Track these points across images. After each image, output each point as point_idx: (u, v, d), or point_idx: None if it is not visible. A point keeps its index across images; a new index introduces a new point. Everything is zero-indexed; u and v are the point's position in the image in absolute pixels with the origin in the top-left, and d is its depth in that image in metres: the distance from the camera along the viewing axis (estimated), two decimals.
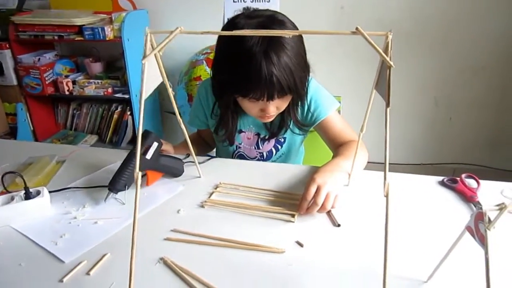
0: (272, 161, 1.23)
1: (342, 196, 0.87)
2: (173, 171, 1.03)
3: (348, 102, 2.26)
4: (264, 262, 0.73)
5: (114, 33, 2.20)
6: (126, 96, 2.31)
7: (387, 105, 0.57)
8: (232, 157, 1.25)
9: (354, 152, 0.92)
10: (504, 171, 2.49)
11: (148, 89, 0.65)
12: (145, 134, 0.93)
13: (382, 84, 0.65)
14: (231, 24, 0.94)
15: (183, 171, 1.04)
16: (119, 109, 2.49)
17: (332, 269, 0.71)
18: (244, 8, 0.99)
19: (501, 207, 0.48)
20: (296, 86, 0.94)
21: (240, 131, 1.20)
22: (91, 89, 2.36)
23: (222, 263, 0.72)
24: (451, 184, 0.98)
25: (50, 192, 0.92)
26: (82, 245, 0.77)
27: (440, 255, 0.64)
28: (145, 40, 0.62)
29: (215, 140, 1.30)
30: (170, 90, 0.78)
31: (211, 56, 2.11)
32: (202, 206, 0.89)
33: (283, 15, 0.96)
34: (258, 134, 1.20)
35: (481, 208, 0.50)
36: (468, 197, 0.92)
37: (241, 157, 1.24)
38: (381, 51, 0.58)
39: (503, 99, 2.39)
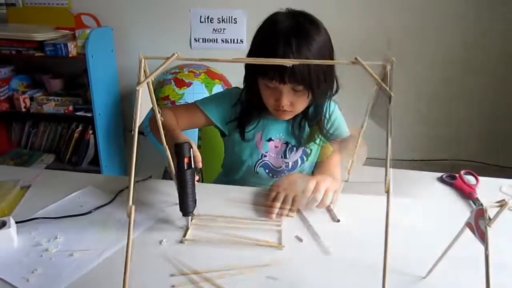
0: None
1: (340, 192, 0.92)
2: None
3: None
4: (264, 257, 0.77)
5: (77, 50, 2.12)
6: (89, 115, 2.22)
7: (389, 135, 0.58)
8: (255, 167, 1.20)
9: (352, 148, 1.00)
10: (501, 167, 2.54)
11: (140, 114, 0.62)
12: (179, 147, 0.84)
13: (379, 113, 0.65)
14: (271, 18, 1.01)
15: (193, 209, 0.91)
16: (80, 127, 2.38)
17: (332, 264, 0.74)
18: (286, 8, 1.04)
19: (502, 204, 0.50)
20: (310, 80, 0.95)
21: (270, 139, 1.19)
22: (50, 107, 2.24)
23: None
24: (450, 181, 1.00)
25: (16, 222, 0.85)
26: (57, 281, 0.71)
27: (439, 251, 0.65)
28: (139, 66, 0.59)
29: (227, 148, 1.27)
30: (158, 116, 0.75)
31: (180, 75, 2.08)
32: (182, 242, 0.84)
33: (320, 22, 1.01)
34: (287, 143, 1.19)
35: (481, 205, 0.52)
36: (466, 194, 0.94)
37: (266, 166, 1.21)
38: (380, 81, 0.58)
39: (498, 96, 2.46)
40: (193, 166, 0.85)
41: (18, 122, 2.47)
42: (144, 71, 0.61)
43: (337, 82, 1.07)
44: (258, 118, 1.16)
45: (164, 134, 0.89)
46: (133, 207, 0.56)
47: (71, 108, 2.25)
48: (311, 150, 1.21)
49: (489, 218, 0.50)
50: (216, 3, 2.32)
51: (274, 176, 1.21)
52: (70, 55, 2.09)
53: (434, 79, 2.44)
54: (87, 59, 2.08)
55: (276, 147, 1.20)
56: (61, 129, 2.43)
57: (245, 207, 0.99)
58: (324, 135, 1.16)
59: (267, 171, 1.21)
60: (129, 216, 0.55)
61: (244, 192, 1.06)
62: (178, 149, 0.83)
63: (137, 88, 0.57)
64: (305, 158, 1.21)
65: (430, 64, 2.42)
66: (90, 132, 2.33)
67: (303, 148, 1.19)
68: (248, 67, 1.08)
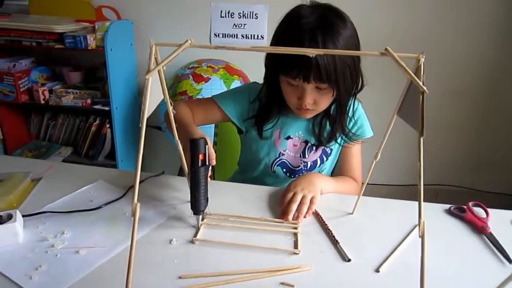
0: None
1: (319, 200, 0.93)
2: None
3: None
4: (279, 262, 0.75)
5: (96, 42, 2.10)
6: (106, 108, 2.20)
7: (421, 133, 0.52)
8: (272, 165, 1.16)
9: (348, 188, 1.08)
10: (485, 193, 2.51)
11: (150, 107, 0.58)
12: (194, 143, 0.80)
13: (409, 109, 0.59)
14: (294, 11, 0.96)
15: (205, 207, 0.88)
16: (97, 121, 2.37)
17: (351, 271, 0.71)
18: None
19: None
20: (336, 77, 0.91)
21: (288, 137, 1.14)
22: (68, 99, 2.23)
23: None
24: (460, 214, 0.94)
25: (23, 216, 0.82)
26: (61, 280, 0.67)
27: None
28: (149, 52, 0.55)
29: (245, 146, 1.23)
30: (170, 108, 0.70)
31: (198, 70, 2.05)
32: (193, 242, 0.80)
33: (347, 15, 0.96)
34: (306, 142, 1.14)
35: None
36: (479, 228, 0.88)
37: (283, 165, 1.17)
38: (412, 74, 0.53)
39: (483, 121, 2.42)
40: (207, 164, 0.82)
41: (37, 114, 2.48)
42: (156, 59, 0.57)
43: (362, 78, 1.01)
44: (278, 116, 1.11)
45: (178, 128, 0.85)
46: (138, 205, 0.52)
47: (89, 101, 2.24)
48: (331, 149, 1.16)
49: None
50: None
51: (292, 176, 1.16)
52: (89, 48, 2.07)
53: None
54: (106, 52, 2.06)
55: (295, 145, 1.15)
56: (79, 122, 2.42)
57: (260, 207, 0.94)
58: (346, 134, 1.11)
59: (284, 170, 1.17)
60: (133, 214, 0.51)
61: (260, 191, 1.02)
62: (193, 145, 0.80)
63: (147, 77, 0.53)
64: (324, 158, 1.16)
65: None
66: (107, 126, 2.32)
67: (323, 147, 1.14)
68: (269, 64, 1.03)
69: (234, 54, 2.20)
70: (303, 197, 0.91)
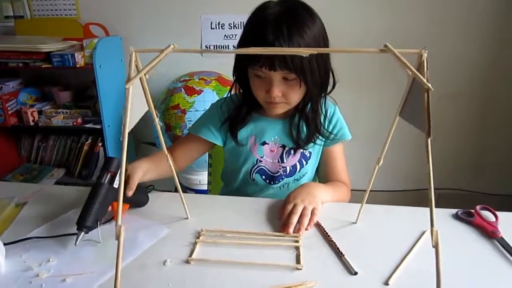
0: (295, 179, 1.13)
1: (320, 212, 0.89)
2: (141, 200, 0.94)
3: None
4: (281, 279, 0.70)
5: (85, 60, 2.07)
6: (98, 126, 2.15)
7: (428, 134, 0.48)
8: (251, 173, 1.13)
9: (342, 195, 1.05)
10: (486, 195, 2.47)
11: (132, 119, 0.53)
12: (108, 160, 0.84)
13: (413, 110, 0.55)
14: (261, 5, 0.94)
15: (149, 200, 0.96)
16: (89, 140, 2.32)
17: (358, 286, 0.67)
18: None
19: None
20: (302, 66, 0.89)
21: (264, 143, 1.11)
22: (58, 119, 2.19)
23: None
24: (467, 218, 0.90)
25: (5, 244, 0.77)
26: None
27: None
28: (129, 60, 0.50)
29: (226, 158, 1.20)
30: (157, 120, 0.66)
31: (190, 83, 2.01)
32: (188, 262, 0.74)
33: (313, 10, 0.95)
34: (283, 146, 1.11)
35: None
36: (489, 233, 0.84)
37: (262, 172, 1.13)
38: (415, 71, 0.48)
39: (482, 123, 2.39)
40: (115, 185, 0.82)
41: (27, 136, 2.43)
42: (137, 67, 0.53)
43: (333, 75, 0.99)
44: (249, 117, 1.09)
45: None
46: (123, 228, 0.47)
47: (80, 120, 2.19)
48: (310, 153, 1.12)
49: None
50: (227, 8, 2.24)
51: (272, 183, 1.13)
52: (77, 66, 2.03)
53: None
54: (95, 69, 2.02)
55: (272, 151, 1.11)
56: (71, 142, 2.37)
57: (258, 220, 0.90)
58: (326, 136, 1.09)
59: (263, 177, 1.13)
60: (117, 238, 0.46)
61: (257, 204, 0.97)
62: (106, 161, 0.85)
63: (127, 86, 0.48)
64: (304, 162, 1.12)
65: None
66: (100, 144, 2.27)
67: (301, 151, 1.10)
68: (237, 57, 1.01)
69: (226, 65, 2.17)
70: (303, 209, 0.87)
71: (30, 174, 2.34)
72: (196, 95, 1.95)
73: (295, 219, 0.84)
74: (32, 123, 2.19)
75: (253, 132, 1.10)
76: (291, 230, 0.83)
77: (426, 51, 0.50)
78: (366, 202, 0.86)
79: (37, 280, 0.69)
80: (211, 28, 2.28)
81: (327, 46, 0.95)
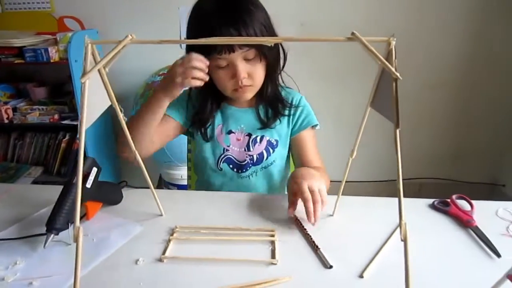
0: (263, 167, 1.12)
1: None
2: (114, 198, 0.92)
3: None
4: (255, 275, 0.68)
5: (59, 55, 2.01)
6: (75, 123, 2.11)
7: (397, 125, 0.46)
8: (218, 163, 1.12)
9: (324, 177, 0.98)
10: (467, 184, 2.52)
11: (91, 115, 0.51)
12: (84, 159, 0.80)
13: (382, 100, 0.54)
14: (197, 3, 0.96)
15: (122, 197, 0.94)
16: (67, 137, 2.27)
17: (333, 280, 0.66)
18: None
19: None
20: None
21: (230, 132, 1.11)
22: (34, 116, 2.14)
23: None
24: (444, 208, 0.90)
25: None
26: None
27: None
28: (84, 53, 0.48)
29: (191, 146, 1.19)
30: (121, 115, 0.63)
31: None
32: (161, 260, 0.72)
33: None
34: (249, 135, 1.10)
35: None
36: (464, 222, 0.84)
37: (229, 161, 1.12)
38: (384, 60, 0.47)
39: (461, 113, 2.42)
40: (87, 185, 0.81)
41: (2, 134, 2.36)
42: (95, 60, 0.50)
43: (283, 50, 1.03)
44: (215, 112, 1.10)
45: (147, 105, 0.94)
46: (81, 228, 0.44)
47: (56, 117, 2.14)
48: (276, 141, 1.12)
49: None
50: None
51: (239, 171, 1.12)
52: (52, 61, 1.98)
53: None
54: (70, 64, 1.97)
55: (238, 139, 1.11)
56: (48, 139, 2.32)
57: (234, 215, 0.88)
58: (289, 114, 1.11)
59: (231, 166, 1.12)
60: (75, 240, 0.43)
61: (233, 198, 0.96)
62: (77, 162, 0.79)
63: (82, 80, 0.46)
64: (271, 150, 1.12)
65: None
66: (78, 141, 2.22)
67: (267, 139, 1.10)
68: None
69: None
70: (313, 194, 0.83)
71: (6, 173, 2.27)
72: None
73: (311, 206, 0.81)
74: (6, 121, 2.13)
75: (219, 122, 1.11)
76: (313, 220, 0.80)
77: (395, 39, 0.48)
78: (346, 194, 0.86)
79: (2, 284, 0.67)
80: None
81: (271, 23, 0.98)
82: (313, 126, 1.12)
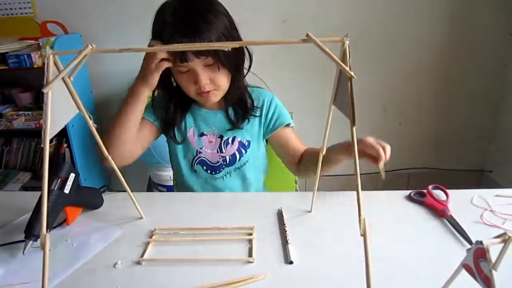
0: (236, 168, 1.14)
1: None
2: (94, 202, 0.93)
3: (298, 117, 2.20)
4: (233, 273, 0.70)
5: (43, 60, 2.01)
6: None
7: (353, 123, 0.48)
8: (192, 165, 1.14)
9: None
10: (454, 171, 2.54)
11: (58, 123, 0.52)
12: (59, 165, 0.82)
13: (342, 97, 0.55)
14: (160, 8, 0.96)
15: (103, 202, 0.95)
16: (54, 141, 2.26)
17: (309, 277, 0.67)
18: None
19: (504, 240, 0.39)
20: (214, 49, 0.91)
21: (202, 134, 1.12)
22: (20, 122, 2.13)
23: None
24: (419, 198, 0.92)
25: None
26: None
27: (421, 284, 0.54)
28: (46, 64, 0.49)
29: (169, 149, 1.19)
30: (90, 122, 0.64)
31: None
32: (139, 263, 0.74)
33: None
34: (221, 137, 1.12)
35: (480, 243, 0.41)
36: (439, 212, 0.86)
37: (203, 163, 1.14)
38: (338, 60, 0.49)
39: (445, 101, 2.44)
40: (66, 191, 0.82)
41: None
42: (58, 69, 0.51)
43: (249, 52, 1.03)
44: (184, 114, 1.11)
45: (128, 102, 0.97)
46: (47, 235, 0.46)
47: (42, 122, 2.13)
48: (248, 141, 1.13)
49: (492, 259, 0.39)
50: None
51: (213, 173, 1.14)
52: (35, 66, 1.97)
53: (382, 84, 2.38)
54: None
55: (210, 141, 1.13)
56: (35, 144, 2.31)
57: (213, 215, 0.89)
58: (255, 115, 1.11)
59: (204, 168, 1.14)
60: (43, 247, 0.44)
61: (212, 198, 0.97)
62: (57, 167, 0.83)
63: (45, 91, 0.47)
64: (243, 151, 1.13)
65: (377, 75, 2.34)
66: (65, 145, 2.22)
67: (239, 140, 1.12)
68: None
69: None
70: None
71: None
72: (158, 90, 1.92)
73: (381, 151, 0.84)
74: None
75: (191, 125, 1.12)
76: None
77: (348, 39, 0.50)
78: (334, 188, 0.88)
79: None
80: None
81: (234, 26, 0.98)
82: (287, 125, 1.12)
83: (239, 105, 1.10)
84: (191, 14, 0.90)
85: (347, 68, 0.48)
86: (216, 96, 1.03)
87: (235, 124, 1.09)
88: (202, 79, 0.96)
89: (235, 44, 0.47)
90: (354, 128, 0.48)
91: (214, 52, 0.91)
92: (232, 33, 0.97)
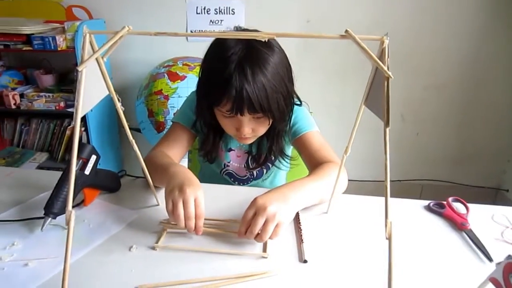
0: (264, 179, 1.17)
1: (285, 225, 0.74)
2: (111, 186, 0.94)
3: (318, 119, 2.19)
4: (245, 267, 0.70)
5: (67, 43, 2.03)
6: None
7: (386, 124, 0.47)
8: (221, 174, 1.16)
9: (328, 174, 0.88)
10: (469, 187, 2.50)
11: (88, 103, 0.52)
12: (81, 146, 0.82)
13: (375, 99, 0.54)
14: (220, 40, 0.92)
15: (120, 186, 0.95)
16: (72, 124, 2.29)
17: (322, 276, 0.66)
18: (235, 27, 1.00)
19: None
20: (269, 106, 0.88)
21: (230, 150, 1.13)
22: (40, 103, 2.16)
23: None
24: (439, 210, 0.90)
25: None
26: None
27: None
28: (82, 42, 0.49)
29: (197, 158, 1.20)
30: (118, 104, 0.64)
31: (173, 69, 1.99)
32: (154, 249, 0.74)
33: (273, 38, 0.90)
34: (248, 153, 1.12)
35: (510, 257, 0.40)
36: (458, 225, 0.84)
37: (230, 175, 1.16)
38: (376, 58, 0.48)
39: (465, 115, 2.41)
40: (86, 172, 0.83)
41: (10, 119, 2.39)
42: (93, 49, 0.51)
43: (298, 97, 1.03)
44: (220, 140, 1.10)
45: (160, 176, 0.86)
46: (73, 212, 0.46)
47: (62, 104, 2.16)
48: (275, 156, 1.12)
49: None
50: None
51: (241, 184, 1.16)
52: (59, 49, 1.99)
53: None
54: (77, 53, 1.99)
55: (238, 156, 1.14)
56: (53, 126, 2.34)
57: (231, 208, 0.88)
58: (280, 152, 1.08)
59: (232, 179, 1.17)
60: (67, 223, 0.45)
61: (231, 191, 0.97)
62: (79, 148, 0.78)
63: (80, 69, 0.47)
64: (270, 165, 1.13)
65: (397, 84, 2.27)
66: (83, 129, 2.24)
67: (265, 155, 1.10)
68: (200, 95, 0.99)
69: None
70: (266, 221, 0.72)
71: (12, 157, 2.31)
72: (179, 81, 1.93)
73: (255, 230, 0.72)
74: (13, 107, 2.16)
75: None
76: (242, 237, 0.74)
77: (388, 38, 0.49)
78: (347, 192, 0.86)
79: None
80: (197, 13, 2.25)
81: (290, 71, 0.94)
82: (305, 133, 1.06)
83: (270, 145, 1.06)
84: (254, 66, 0.86)
85: (385, 68, 0.47)
86: (253, 140, 1.02)
87: (258, 163, 1.10)
88: (245, 130, 0.94)
89: (272, 36, 0.47)
90: (387, 129, 0.47)
91: (269, 110, 0.89)
92: (287, 84, 0.93)
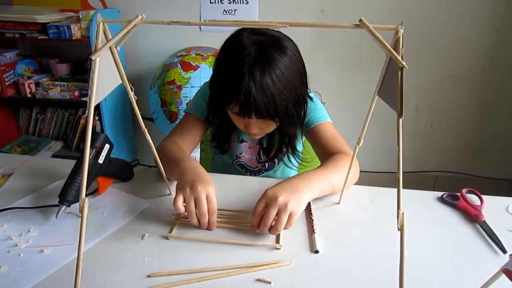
0: (275, 171, 1.17)
1: (298, 215, 0.73)
2: (124, 175, 0.95)
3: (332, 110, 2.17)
4: (257, 258, 0.70)
5: (81, 32, 2.04)
6: None
7: (399, 114, 0.46)
8: (233, 165, 1.17)
9: (340, 165, 0.88)
10: (484, 178, 2.46)
11: (101, 92, 0.52)
12: (94, 135, 0.83)
13: (389, 89, 0.54)
14: (235, 35, 0.91)
15: (133, 175, 0.97)
16: (86, 113, 2.32)
17: (335, 267, 0.67)
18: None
19: None
20: (277, 112, 0.88)
21: (242, 141, 1.14)
22: (56, 92, 2.18)
23: None
24: (452, 201, 0.89)
25: None
26: (21, 281, 0.63)
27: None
28: (96, 31, 0.49)
29: (209, 148, 1.21)
30: (131, 94, 0.65)
31: (186, 58, 1.98)
32: (167, 238, 0.75)
33: (289, 40, 0.91)
34: (260, 143, 1.11)
35: None
36: (472, 216, 0.83)
37: (242, 166, 1.17)
38: (391, 48, 0.47)
39: (482, 107, 2.36)
40: (100, 161, 0.83)
41: (25, 108, 2.42)
42: (106, 38, 0.51)
43: (308, 94, 1.02)
44: (232, 132, 1.11)
45: (171, 169, 0.86)
46: (86, 200, 0.46)
47: (77, 93, 2.18)
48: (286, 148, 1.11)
49: None
50: None
51: (253, 175, 1.16)
52: (74, 38, 2.00)
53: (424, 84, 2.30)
54: (92, 42, 1.99)
55: (250, 148, 1.14)
56: (68, 115, 2.37)
57: (244, 198, 0.89)
58: (292, 150, 1.08)
59: (244, 170, 1.17)
60: (81, 211, 0.45)
61: (244, 182, 0.97)
62: (92, 137, 0.82)
63: (93, 58, 0.47)
64: (281, 156, 1.12)
65: (413, 75, 2.25)
66: (97, 118, 2.27)
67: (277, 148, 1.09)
68: (212, 91, 0.99)
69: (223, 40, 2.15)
70: (279, 211, 0.72)
71: (28, 145, 2.35)
72: (192, 70, 1.93)
73: (268, 222, 0.72)
74: (29, 95, 2.18)
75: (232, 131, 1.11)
76: (264, 230, 0.73)
77: (403, 27, 0.48)
78: (360, 183, 0.86)
79: (16, 250, 0.70)
80: (210, 2, 2.23)
81: (303, 74, 0.93)
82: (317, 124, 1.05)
83: (281, 141, 1.06)
84: (265, 71, 0.85)
85: (399, 57, 0.46)
86: (262, 135, 1.03)
87: (268, 157, 1.10)
88: (253, 129, 0.95)
89: (285, 25, 0.46)
90: (400, 120, 0.46)
91: (276, 115, 0.89)
92: (297, 90, 0.92)
